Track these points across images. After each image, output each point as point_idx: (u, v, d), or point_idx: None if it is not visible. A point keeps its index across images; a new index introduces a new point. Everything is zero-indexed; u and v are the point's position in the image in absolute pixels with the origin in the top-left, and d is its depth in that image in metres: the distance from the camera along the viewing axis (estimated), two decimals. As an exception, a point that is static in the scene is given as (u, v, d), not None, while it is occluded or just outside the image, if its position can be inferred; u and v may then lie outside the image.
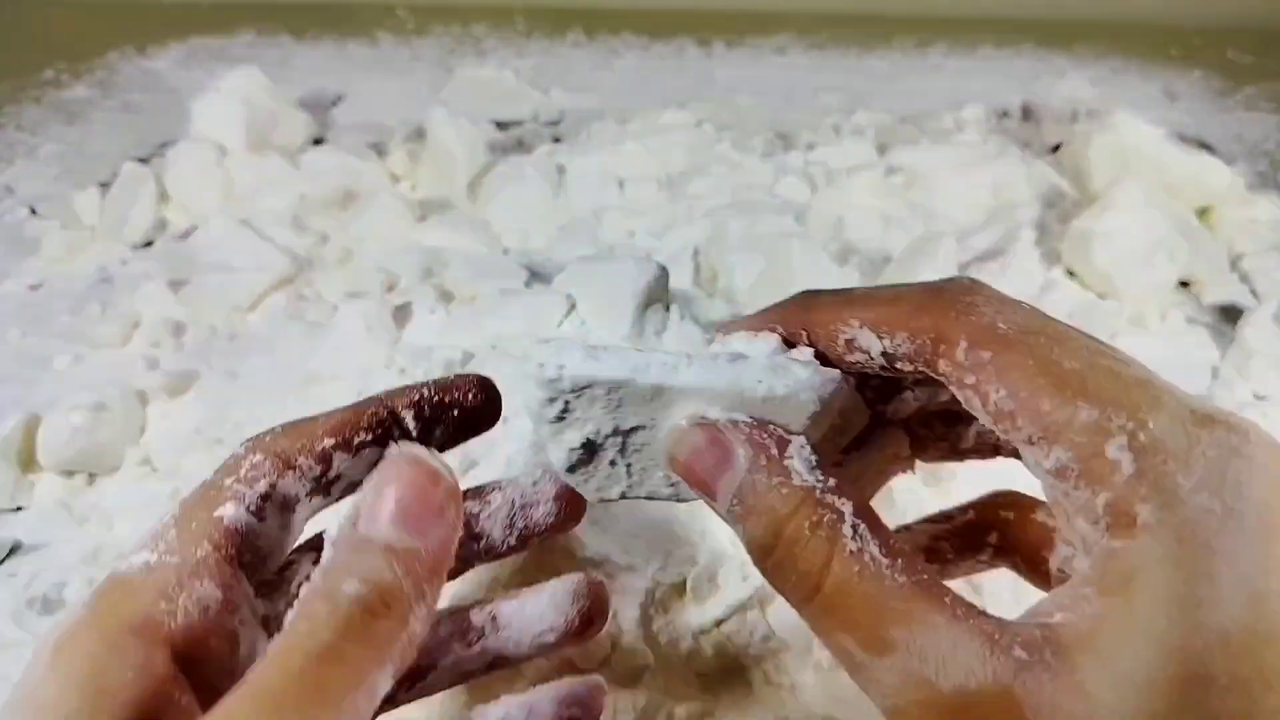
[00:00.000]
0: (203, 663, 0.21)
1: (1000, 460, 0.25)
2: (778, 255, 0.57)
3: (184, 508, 0.23)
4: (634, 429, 0.23)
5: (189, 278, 0.60)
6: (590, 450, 0.24)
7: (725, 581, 0.38)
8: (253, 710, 0.17)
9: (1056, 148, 0.83)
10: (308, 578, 0.20)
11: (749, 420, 0.22)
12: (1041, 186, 0.73)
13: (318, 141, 0.81)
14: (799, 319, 0.23)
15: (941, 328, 0.20)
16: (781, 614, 0.37)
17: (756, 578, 0.38)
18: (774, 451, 0.21)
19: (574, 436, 0.23)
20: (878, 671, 0.18)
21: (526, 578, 0.34)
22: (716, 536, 0.40)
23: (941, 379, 0.20)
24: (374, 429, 0.24)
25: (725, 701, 0.36)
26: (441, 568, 0.21)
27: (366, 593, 0.19)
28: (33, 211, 0.71)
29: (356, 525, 0.20)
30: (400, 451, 0.22)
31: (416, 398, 0.25)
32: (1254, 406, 0.51)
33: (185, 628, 0.20)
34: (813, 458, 0.21)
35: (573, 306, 0.52)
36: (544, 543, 0.30)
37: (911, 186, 0.72)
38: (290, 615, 0.19)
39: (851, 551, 0.19)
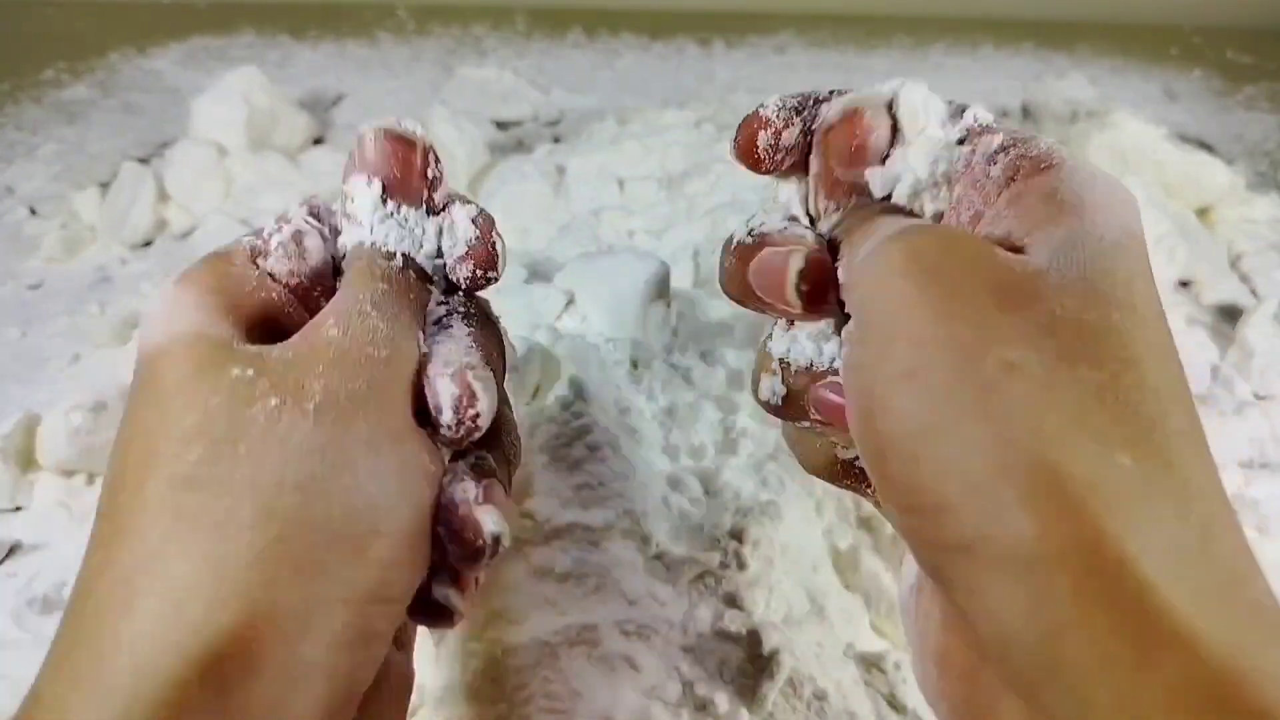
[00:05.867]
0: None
1: None
2: (777, 255, 0.57)
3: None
4: None
5: (189, 277, 0.60)
6: None
7: (724, 576, 0.37)
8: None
9: (1056, 147, 0.83)
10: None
11: None
12: (1041, 186, 0.72)
13: (318, 141, 0.81)
14: None
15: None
16: (778, 608, 0.37)
17: (754, 572, 0.38)
18: None
19: None
20: None
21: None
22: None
23: None
24: None
25: (725, 701, 0.36)
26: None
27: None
28: (32, 211, 0.71)
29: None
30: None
31: None
32: (1254, 406, 0.51)
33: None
34: None
35: (571, 300, 0.52)
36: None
37: (911, 186, 0.72)
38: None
39: None
